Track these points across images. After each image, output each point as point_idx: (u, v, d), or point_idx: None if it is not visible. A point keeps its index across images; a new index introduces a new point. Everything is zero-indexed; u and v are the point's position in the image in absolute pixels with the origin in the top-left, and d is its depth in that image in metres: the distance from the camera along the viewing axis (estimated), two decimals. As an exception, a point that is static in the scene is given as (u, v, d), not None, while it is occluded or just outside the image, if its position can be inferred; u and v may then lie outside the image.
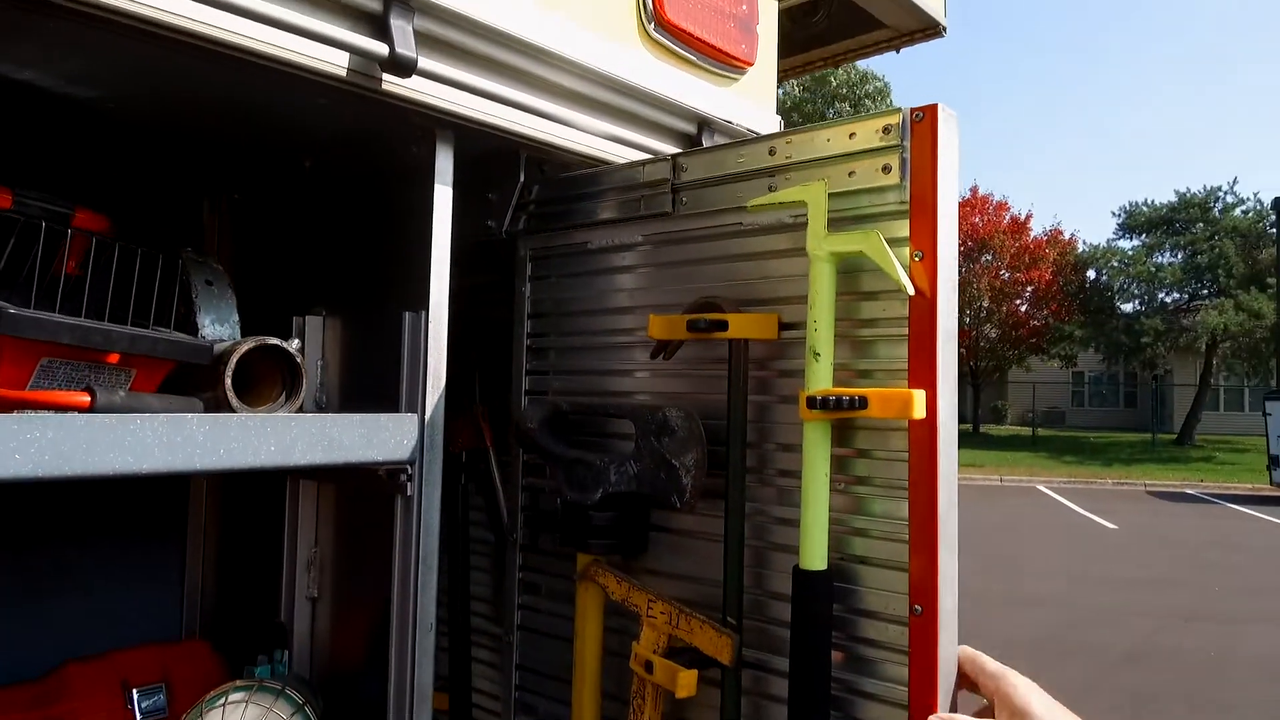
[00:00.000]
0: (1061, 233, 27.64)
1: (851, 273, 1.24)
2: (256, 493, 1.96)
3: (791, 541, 1.29)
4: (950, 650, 1.16)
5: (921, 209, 1.18)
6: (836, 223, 1.24)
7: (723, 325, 1.30)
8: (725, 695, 1.29)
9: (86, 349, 1.21)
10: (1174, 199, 25.41)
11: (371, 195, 1.68)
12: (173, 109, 1.54)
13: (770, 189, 1.32)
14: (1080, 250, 27.23)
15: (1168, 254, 25.35)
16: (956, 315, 1.19)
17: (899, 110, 1.20)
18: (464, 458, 1.97)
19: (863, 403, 1.16)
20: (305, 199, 1.85)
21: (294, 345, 1.45)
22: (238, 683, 1.37)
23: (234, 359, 1.35)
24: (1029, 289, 26.15)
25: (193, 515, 2.02)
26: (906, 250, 1.18)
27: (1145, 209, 26.07)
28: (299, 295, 1.76)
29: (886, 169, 1.20)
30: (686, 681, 1.28)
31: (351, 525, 1.73)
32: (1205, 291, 24.50)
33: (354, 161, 1.71)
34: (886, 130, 1.20)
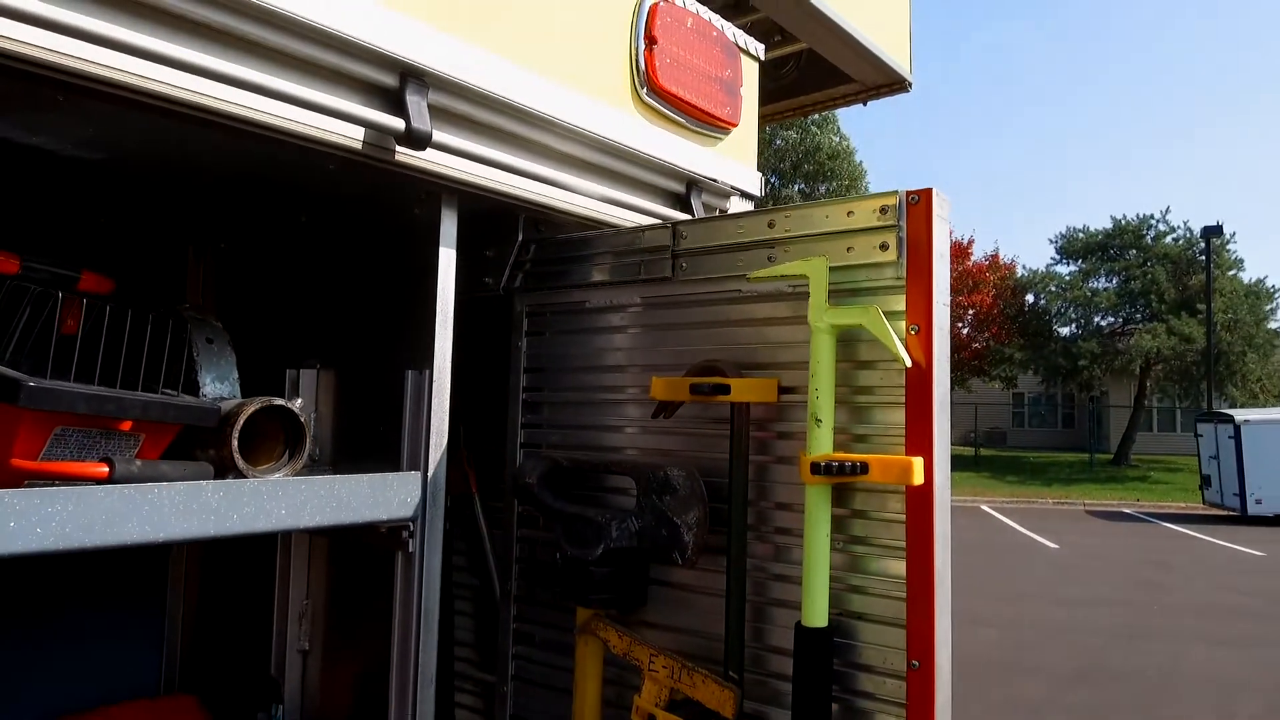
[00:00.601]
0: (1001, 258, 28.43)
1: (850, 342, 1.31)
2: (241, 548, 1.95)
3: (790, 597, 1.35)
4: (946, 703, 1.22)
5: (917, 285, 1.25)
6: (835, 294, 1.30)
7: (725, 389, 1.36)
8: (729, 748, 1.33)
9: (100, 417, 1.22)
10: (1109, 226, 26.33)
11: (370, 252, 1.71)
12: (175, 172, 1.55)
13: (770, 260, 1.38)
14: (1020, 275, 28.02)
15: (1103, 279, 26.22)
16: (949, 385, 1.27)
17: (895, 192, 1.27)
18: (449, 503, 1.99)
19: (864, 468, 1.22)
20: (299, 252, 1.87)
21: (298, 404, 1.46)
22: (241, 743, 1.37)
23: (241, 421, 1.36)
24: (970, 312, 26.83)
25: (173, 569, 2.00)
26: (903, 324, 1.25)
27: (1082, 235, 26.94)
28: (290, 348, 1.77)
29: (884, 246, 1.27)
30: (692, 737, 1.32)
31: (344, 577, 1.74)
32: (1139, 316, 25.36)
33: (353, 220, 1.73)
34: (884, 210, 1.28)
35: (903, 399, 1.26)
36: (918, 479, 1.19)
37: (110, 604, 1.91)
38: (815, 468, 1.24)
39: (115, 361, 1.30)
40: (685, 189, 1.87)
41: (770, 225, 1.39)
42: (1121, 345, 24.56)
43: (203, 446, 1.39)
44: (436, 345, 1.51)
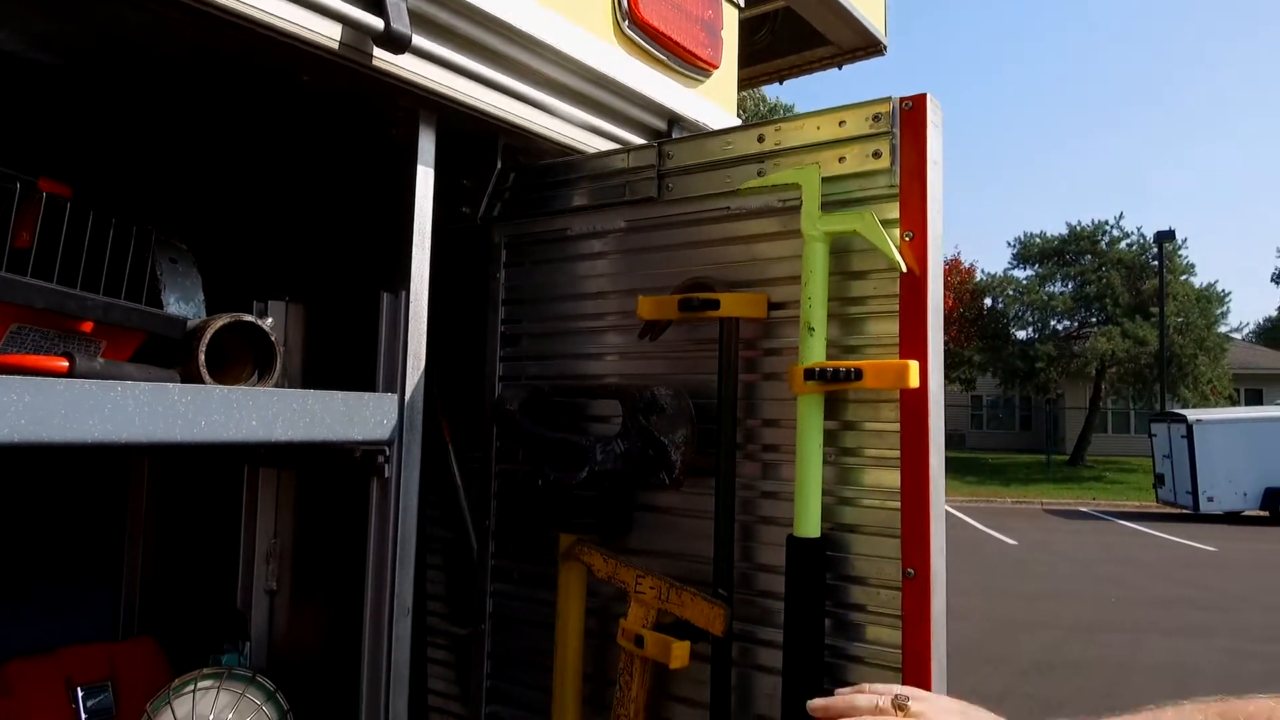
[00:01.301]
0: (961, 262, 28.83)
1: (841, 253, 1.29)
2: (201, 486, 1.88)
3: (779, 514, 1.32)
4: (941, 612, 1.20)
5: (912, 191, 1.23)
6: (827, 206, 1.28)
7: (714, 304, 1.33)
8: (716, 666, 1.29)
9: (59, 315, 1.16)
10: (1065, 232, 26.84)
11: (344, 180, 1.65)
12: (138, 82, 1.49)
13: (759, 174, 1.36)
14: (979, 279, 28.43)
15: (1059, 284, 26.70)
16: (942, 293, 1.25)
17: (889, 99, 1.25)
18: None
19: (858, 374, 1.20)
20: (268, 182, 1.80)
21: (268, 323, 1.41)
22: (206, 670, 1.31)
23: (209, 334, 1.31)
24: (931, 316, 27.05)
25: (131, 510, 1.92)
26: (897, 231, 1.23)
27: (1038, 240, 27.41)
28: (259, 280, 1.71)
29: (877, 154, 1.25)
30: (680, 652, 1.28)
31: (314, 516, 1.68)
32: (1094, 320, 25.86)
33: (327, 145, 1.68)
34: (877, 118, 1.25)
35: (895, 308, 1.24)
36: (913, 381, 1.17)
37: (64, 548, 1.82)
38: (809, 374, 1.21)
39: (74, 267, 1.23)
40: (667, 126, 1.84)
41: (760, 140, 1.36)
42: (1077, 348, 25.01)
43: (167, 363, 1.33)
44: (414, 266, 1.46)
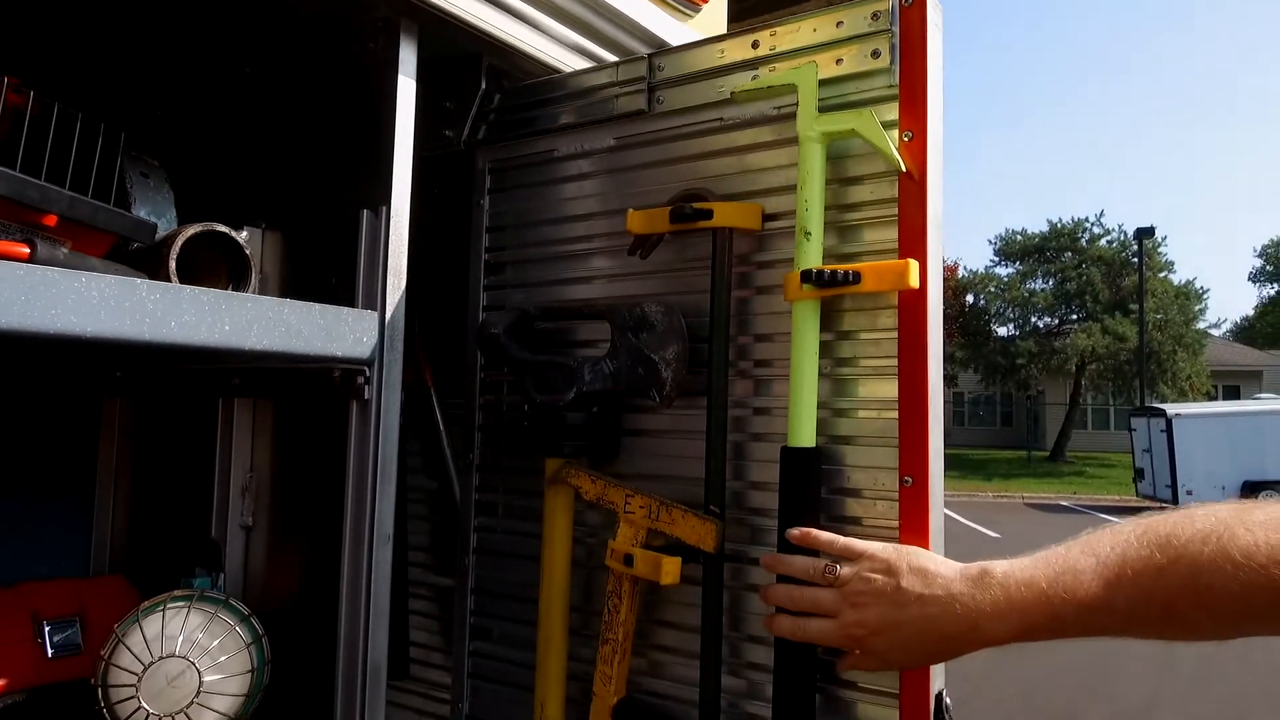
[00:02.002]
0: (945, 259, 28.98)
1: (838, 159, 1.25)
2: (175, 423, 1.82)
3: (772, 430, 1.28)
4: (939, 525, 1.16)
5: (911, 91, 1.19)
6: (824, 110, 1.24)
7: (707, 214, 1.28)
8: (708, 584, 1.25)
9: (21, 205, 1.10)
10: (1045, 229, 27.02)
11: (320, 102, 1.60)
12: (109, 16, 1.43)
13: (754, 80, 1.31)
14: (961, 276, 28.59)
15: (1040, 280, 26.89)
16: (943, 197, 1.21)
17: (887, -6, 1.21)
18: (403, 397, 1.89)
19: (856, 278, 1.16)
20: (241, 108, 1.74)
21: (243, 236, 1.35)
22: (177, 592, 1.25)
23: (180, 241, 1.25)
24: (914, 313, 27.21)
25: (103, 450, 1.86)
26: (895, 133, 1.19)
27: (1019, 238, 27.59)
28: (232, 206, 1.65)
29: (876, 54, 1.21)
30: (671, 568, 1.24)
31: (292, 449, 1.62)
32: (1074, 316, 26.06)
33: (302, 67, 1.62)
34: (875, 16, 1.22)
35: (893, 213, 1.20)
36: (913, 281, 1.13)
37: (33, 487, 1.76)
38: (805, 277, 1.17)
39: (39, 162, 1.17)
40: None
41: (754, 45, 1.32)
42: (1058, 344, 25.19)
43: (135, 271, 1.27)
44: (395, 182, 1.40)
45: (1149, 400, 20.91)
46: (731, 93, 1.31)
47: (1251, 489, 17.14)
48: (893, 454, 1.17)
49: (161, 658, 1.15)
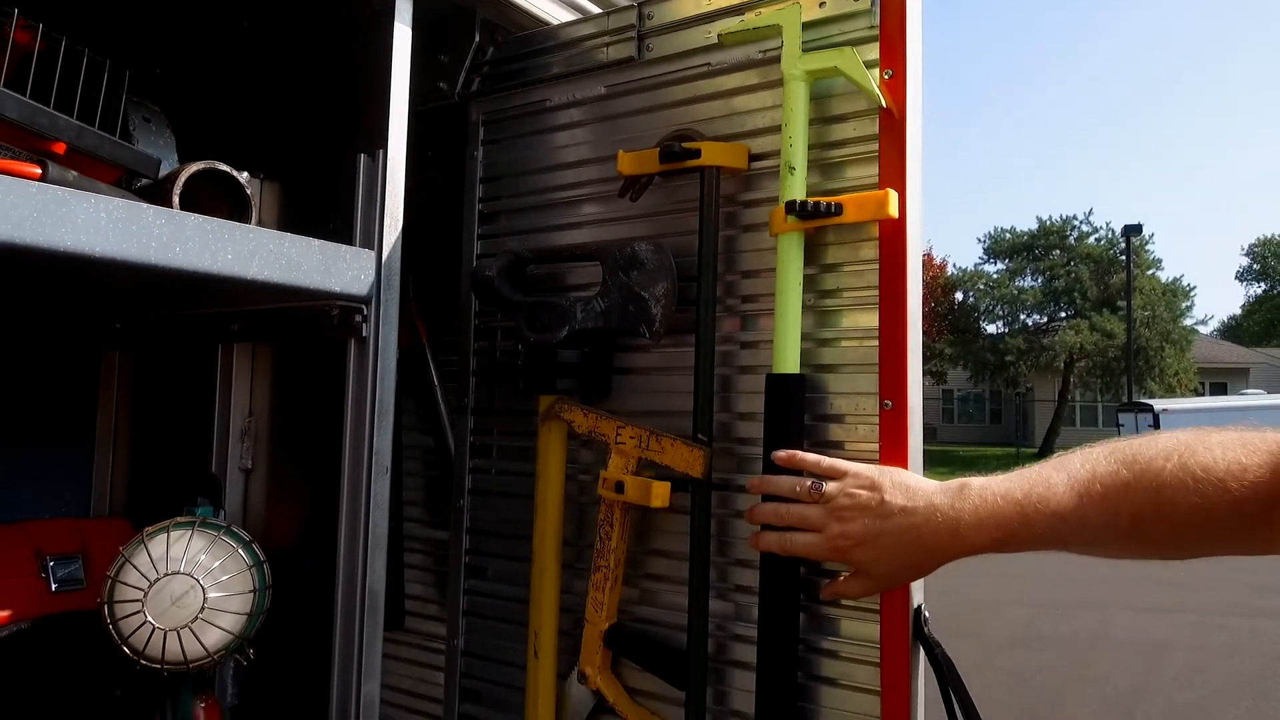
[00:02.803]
0: (933, 257, 29.11)
1: (821, 99, 1.29)
2: (175, 372, 1.85)
3: (757, 363, 1.33)
4: (918, 446, 1.21)
5: (891, 30, 1.24)
6: (808, 52, 1.28)
7: (695, 153, 1.33)
8: (696, 510, 1.29)
9: (30, 132, 1.13)
10: (1035, 227, 27.21)
11: (316, 54, 1.63)
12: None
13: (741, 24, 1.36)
14: (950, 273, 28.75)
15: (1029, 278, 27.08)
16: (922, 134, 1.25)
17: (869, -62, 1.25)
18: (399, 355, 1.92)
19: (838, 209, 1.20)
20: (239, 61, 1.78)
21: (243, 176, 1.39)
22: (179, 519, 1.29)
23: (183, 176, 1.29)
24: (904, 310, 27.33)
25: (103, 401, 1.89)
26: (877, 71, 1.24)
27: (1008, 236, 27.77)
28: (231, 158, 1.68)
29: (856, -5, 1.26)
30: (660, 492, 1.28)
31: (290, 393, 1.66)
32: (1063, 314, 26.25)
33: (298, 19, 1.66)
34: (856, -42, 1.26)
35: (875, 151, 1.24)
36: (892, 210, 1.18)
37: (32, 436, 1.79)
38: (790, 208, 1.21)
39: (46, 95, 1.21)
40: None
41: (740, -9, 1.37)
42: (1046, 341, 25.33)
43: (141, 209, 1.30)
44: (391, 128, 1.44)
45: (1137, 396, 21.06)
46: (719, 36, 1.36)
47: (1237, 483, 17.26)
48: (873, 379, 1.22)
49: (167, 574, 1.19)
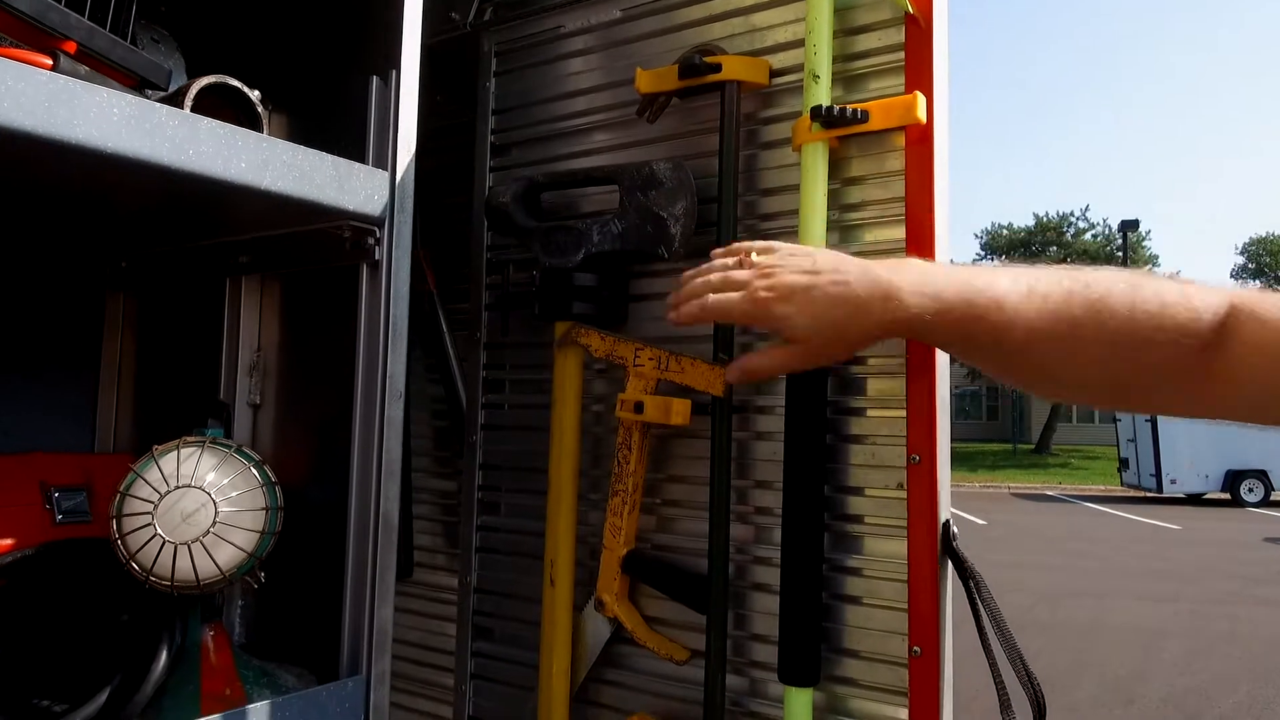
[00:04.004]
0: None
1: (845, 10, 1.27)
2: (181, 311, 1.82)
3: (781, 282, 1.30)
4: (944, 360, 1.18)
5: (916, -65, 1.21)
6: (830, -38, 1.26)
7: (716, 67, 1.30)
8: (717, 431, 1.27)
9: (41, 29, 1.10)
10: (1031, 223, 27.22)
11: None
12: None
13: (761, -62, 1.33)
14: (948, 271, 28.73)
15: (1026, 275, 27.04)
16: (948, 43, 1.23)
17: None
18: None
19: (864, 115, 1.18)
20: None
21: (255, 94, 1.36)
22: (188, 438, 1.26)
23: (195, 88, 1.26)
24: (901, 307, 27.31)
25: (107, 343, 1.86)
26: (902, -21, 1.21)
27: (1005, 231, 27.79)
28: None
29: (881, -99, 1.23)
30: (681, 409, 1.26)
31: (299, 326, 1.63)
32: (1060, 310, 26.22)
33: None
34: None
35: (899, 60, 1.22)
36: (920, 115, 1.15)
37: (37, 366, 1.76)
38: (814, 114, 1.19)
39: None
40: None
41: (761, -94, 1.34)
42: (1044, 338, 25.34)
43: (149, 125, 1.28)
44: (404, 50, 1.41)
45: (1134, 392, 21.04)
46: (740, -55, 1.33)
47: (1235, 477, 17.31)
48: (899, 291, 1.19)
49: (178, 488, 1.16)
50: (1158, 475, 16.99)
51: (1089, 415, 29.45)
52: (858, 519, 1.21)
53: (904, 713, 1.14)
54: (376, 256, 1.38)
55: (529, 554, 1.51)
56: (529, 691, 1.48)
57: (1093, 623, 8.03)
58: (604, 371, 1.47)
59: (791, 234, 1.27)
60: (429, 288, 1.92)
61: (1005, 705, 1.09)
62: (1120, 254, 23.27)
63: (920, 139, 1.18)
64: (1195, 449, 16.88)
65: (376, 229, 1.38)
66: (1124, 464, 18.27)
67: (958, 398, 32.56)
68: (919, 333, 0.98)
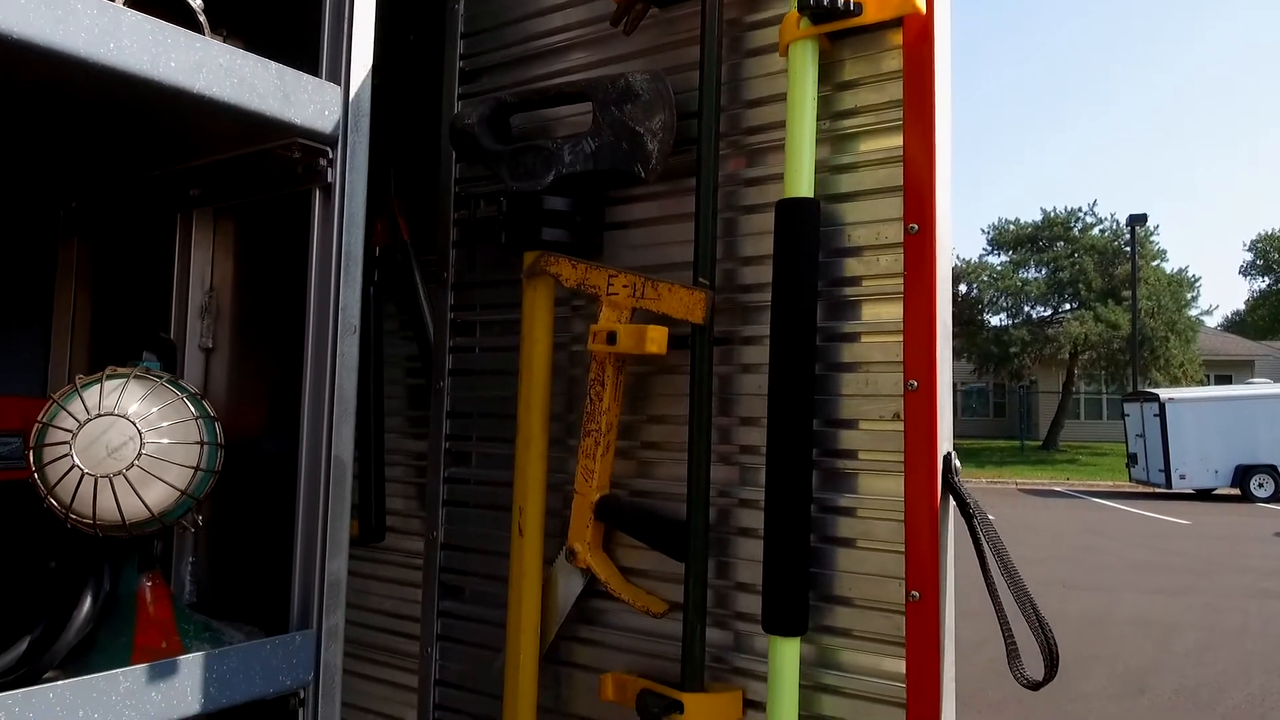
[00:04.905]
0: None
1: (836, -99, 1.15)
2: (132, 252, 1.71)
3: (765, 200, 1.19)
4: (946, 277, 1.07)
5: None
6: None
7: (695, -34, 1.19)
8: (697, 361, 1.16)
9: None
10: (1039, 219, 26.99)
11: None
12: None
13: None
14: (954, 265, 28.56)
15: (1033, 269, 26.83)
16: (949, -67, 1.12)
17: None
18: (377, 254, 1.79)
19: (857, 8, 1.07)
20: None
21: (197, 2, 1.25)
22: (117, 369, 1.14)
23: (126, -11, 1.15)
24: (907, 303, 27.08)
25: (60, 292, 1.75)
26: None
27: (1013, 227, 27.54)
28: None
29: None
30: (657, 336, 1.15)
31: (252, 268, 1.52)
32: (1067, 305, 26.03)
33: None
34: None
35: (897, -47, 1.10)
36: (920, 3, 1.04)
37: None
38: (803, 6, 1.07)
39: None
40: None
41: None
42: (1051, 333, 25.17)
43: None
44: (361, -44, 1.31)
45: (1142, 386, 20.89)
46: None
47: (1245, 473, 17.14)
48: (896, 204, 1.08)
49: (99, 416, 1.05)
50: (1167, 471, 16.78)
51: (1097, 412, 29.21)
52: (850, 454, 1.10)
53: (900, 664, 1.03)
54: (329, 179, 1.27)
55: (500, 506, 1.40)
56: (497, 652, 1.37)
57: (1103, 616, 7.90)
58: (581, 308, 1.36)
59: (779, 148, 1.16)
60: (403, 238, 1.81)
61: (1013, 654, 0.98)
62: (1128, 249, 23.05)
63: (920, 35, 1.07)
64: (1205, 444, 16.68)
65: (329, 149, 1.26)
66: (1133, 459, 18.05)
67: (964, 394, 32.36)
68: None
